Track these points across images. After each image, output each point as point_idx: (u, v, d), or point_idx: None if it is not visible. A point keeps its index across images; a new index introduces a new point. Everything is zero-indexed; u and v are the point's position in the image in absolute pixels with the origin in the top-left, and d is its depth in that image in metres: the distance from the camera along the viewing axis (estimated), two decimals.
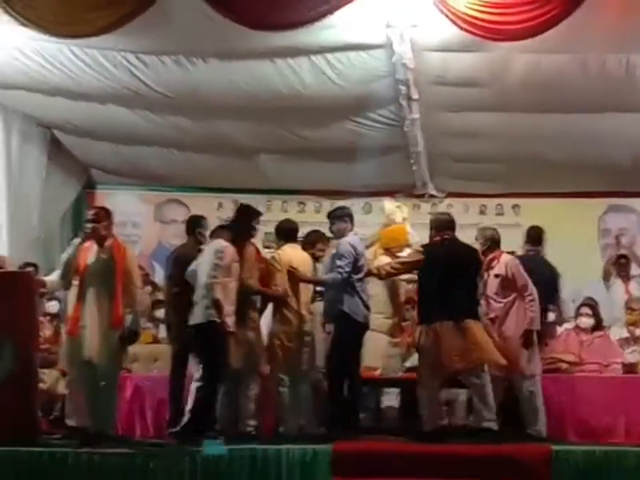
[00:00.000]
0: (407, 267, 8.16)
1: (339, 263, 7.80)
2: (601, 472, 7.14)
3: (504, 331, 7.92)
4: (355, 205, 12.17)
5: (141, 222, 12.23)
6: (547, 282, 8.49)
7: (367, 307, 7.91)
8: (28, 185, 10.09)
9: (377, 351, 8.62)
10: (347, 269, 7.76)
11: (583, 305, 9.24)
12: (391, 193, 12.18)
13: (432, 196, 12.16)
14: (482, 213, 12.23)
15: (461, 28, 7.56)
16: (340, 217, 8.16)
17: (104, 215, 7.51)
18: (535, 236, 9.03)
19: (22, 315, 7.44)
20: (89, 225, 7.41)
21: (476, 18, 7.47)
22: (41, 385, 8.14)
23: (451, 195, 12.21)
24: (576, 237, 11.67)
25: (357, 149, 10.23)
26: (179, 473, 6.97)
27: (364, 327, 7.89)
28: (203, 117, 9.90)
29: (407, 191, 12.13)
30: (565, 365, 8.76)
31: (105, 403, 7.35)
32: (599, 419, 8.17)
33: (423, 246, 8.07)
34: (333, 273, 7.85)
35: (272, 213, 12.32)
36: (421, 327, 7.75)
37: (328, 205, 12.30)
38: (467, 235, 12.02)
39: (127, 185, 12.04)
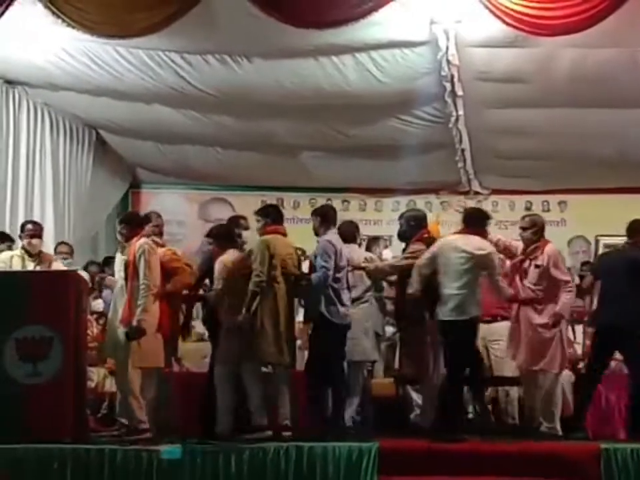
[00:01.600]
0: (398, 269, 8.14)
1: (321, 262, 7.68)
2: None
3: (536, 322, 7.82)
4: (400, 203, 12.26)
5: (186, 221, 12.28)
6: None
7: (345, 306, 7.75)
8: (75, 184, 10.18)
9: None
10: (329, 267, 7.64)
11: None
12: (435, 190, 12.20)
13: (477, 193, 12.13)
14: (528, 209, 12.14)
15: (506, 23, 7.50)
16: (314, 214, 8.09)
17: (128, 217, 7.96)
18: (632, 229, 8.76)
19: (70, 313, 7.51)
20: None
21: (521, 13, 7.40)
22: (89, 383, 8.22)
23: (495, 191, 12.17)
24: (624, 233, 11.55)
25: (401, 146, 10.22)
26: (225, 469, 7.04)
27: (342, 327, 7.72)
28: (247, 116, 9.93)
29: (452, 188, 12.11)
30: (614, 364, 8.69)
31: (124, 399, 7.46)
32: None
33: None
34: (317, 272, 7.71)
35: None
36: None
37: (372, 202, 12.38)
38: (513, 232, 12.06)
39: (171, 184, 12.14)
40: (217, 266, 7.79)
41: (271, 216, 7.95)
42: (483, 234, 7.84)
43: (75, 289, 7.65)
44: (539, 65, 8.46)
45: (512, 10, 7.39)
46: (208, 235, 8.22)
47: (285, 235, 7.93)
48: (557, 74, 8.52)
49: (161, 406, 7.65)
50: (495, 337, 8.78)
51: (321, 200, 12.35)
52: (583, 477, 7.02)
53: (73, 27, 7.73)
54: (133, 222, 7.70)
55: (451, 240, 7.76)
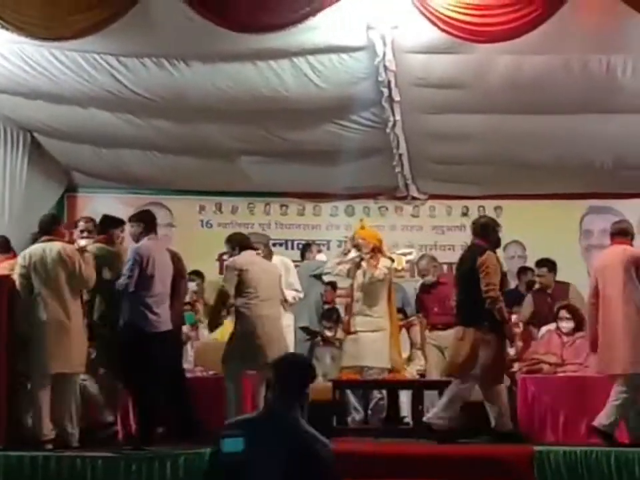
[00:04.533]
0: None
1: (125, 269, 7.77)
2: (582, 472, 7.18)
3: None
4: (338, 208, 12.30)
5: None
6: None
7: (155, 314, 7.74)
8: (9, 188, 10.04)
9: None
10: (132, 275, 7.67)
11: (561, 307, 9.26)
12: (373, 195, 12.26)
13: (414, 198, 12.20)
14: (464, 214, 12.27)
15: (442, 30, 7.55)
16: (133, 220, 8.15)
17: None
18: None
19: (2, 318, 7.48)
20: None
21: (457, 20, 7.46)
22: None
23: (433, 197, 12.26)
24: (558, 239, 11.73)
25: (339, 151, 10.23)
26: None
27: (151, 335, 7.71)
28: (184, 120, 9.87)
29: (390, 193, 12.18)
30: (546, 366, 8.81)
31: None
32: (580, 419, 8.22)
33: None
34: (120, 279, 7.79)
35: (254, 215, 12.37)
36: None
37: (310, 207, 12.39)
38: (448, 238, 12.19)
39: (108, 188, 12.01)
40: None
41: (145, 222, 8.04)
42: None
43: (6, 292, 7.57)
44: (475, 71, 8.53)
45: (448, 17, 7.45)
46: None
47: None
48: (493, 80, 8.60)
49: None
50: (448, 342, 9.02)
51: (259, 204, 12.36)
52: (516, 479, 7.11)
53: (7, 29, 7.62)
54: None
55: None
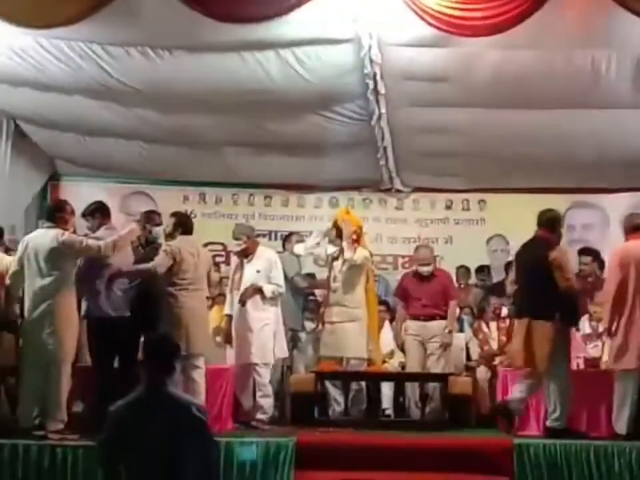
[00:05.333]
0: None
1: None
2: (562, 465, 7.23)
3: None
4: (322, 199, 12.32)
5: None
6: None
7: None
8: None
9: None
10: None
11: None
12: (357, 187, 12.28)
13: (398, 191, 12.22)
14: (448, 207, 12.31)
15: (428, 23, 7.58)
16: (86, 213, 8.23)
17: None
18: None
19: None
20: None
21: (443, 13, 7.48)
22: None
23: (417, 189, 12.28)
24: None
25: (323, 143, 10.24)
26: None
27: (108, 322, 7.82)
28: (169, 110, 9.86)
29: (374, 186, 12.19)
30: None
31: None
32: None
33: None
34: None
35: (239, 206, 12.37)
36: None
37: (295, 198, 12.40)
38: (432, 230, 12.22)
39: (92, 176, 11.99)
40: None
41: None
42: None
43: None
44: (460, 65, 8.54)
45: (434, 10, 7.47)
46: None
47: None
48: (478, 74, 8.62)
49: None
50: (430, 335, 9.36)
51: (243, 195, 12.37)
52: (495, 472, 7.16)
53: None
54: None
55: None
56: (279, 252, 9.82)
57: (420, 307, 9.54)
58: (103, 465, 5.41)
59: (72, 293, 7.71)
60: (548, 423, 7.85)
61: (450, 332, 9.44)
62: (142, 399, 5.18)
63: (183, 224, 8.42)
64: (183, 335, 7.81)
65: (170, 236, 8.34)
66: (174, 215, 8.60)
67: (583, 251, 10.01)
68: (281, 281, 9.05)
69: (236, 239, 9.23)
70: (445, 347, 9.39)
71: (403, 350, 9.83)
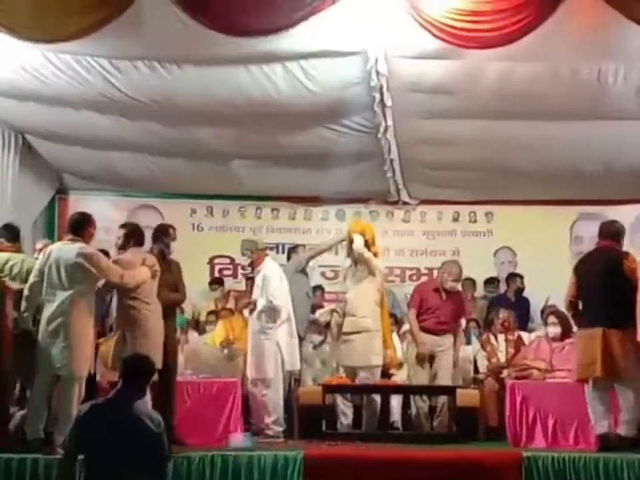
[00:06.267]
0: None
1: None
2: (571, 478, 7.21)
3: None
4: (329, 212, 12.33)
5: (113, 228, 12.13)
6: None
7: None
8: None
9: None
10: None
11: (550, 313, 9.35)
12: (364, 200, 12.29)
13: (405, 203, 12.22)
14: (455, 220, 12.32)
15: (435, 35, 7.58)
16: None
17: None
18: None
19: None
20: None
21: (449, 26, 7.48)
22: None
23: (424, 202, 12.28)
24: (548, 244, 11.77)
25: (330, 155, 10.24)
26: None
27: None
28: (176, 123, 9.87)
29: (381, 198, 12.20)
30: (536, 372, 8.84)
31: None
32: (568, 424, 8.25)
33: None
34: None
35: (246, 219, 12.39)
36: None
37: (302, 211, 12.42)
38: (439, 243, 12.22)
39: (99, 190, 12.02)
40: None
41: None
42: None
43: None
44: (466, 78, 8.54)
45: (440, 22, 7.47)
46: None
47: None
48: (484, 86, 8.62)
49: None
50: (441, 347, 9.41)
51: (250, 208, 12.38)
52: None
53: (0, 31, 7.63)
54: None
55: None
56: (281, 265, 9.83)
57: (435, 323, 9.52)
58: (62, 455, 6.09)
59: (90, 308, 7.65)
60: (621, 431, 7.77)
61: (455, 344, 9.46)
62: (103, 405, 5.89)
63: (135, 235, 8.24)
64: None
65: (122, 248, 8.16)
66: (124, 226, 8.47)
67: None
68: (274, 295, 8.95)
69: (243, 254, 9.30)
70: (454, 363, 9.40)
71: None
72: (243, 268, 11.70)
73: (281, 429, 8.85)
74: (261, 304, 8.92)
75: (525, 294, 11.59)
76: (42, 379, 7.53)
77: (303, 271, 10.02)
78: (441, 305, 9.56)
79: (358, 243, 9.55)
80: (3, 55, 8.31)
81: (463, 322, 9.89)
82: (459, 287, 9.80)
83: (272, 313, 8.94)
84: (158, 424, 5.74)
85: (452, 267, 9.88)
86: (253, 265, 9.24)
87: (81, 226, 7.82)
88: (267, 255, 9.43)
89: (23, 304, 7.66)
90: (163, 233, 8.67)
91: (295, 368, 9.21)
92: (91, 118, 9.66)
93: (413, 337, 9.59)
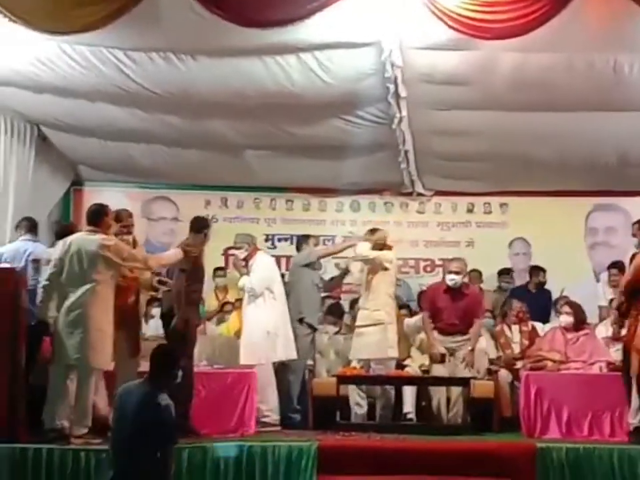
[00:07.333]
0: None
1: None
2: (585, 469, 7.21)
3: None
4: (343, 203, 12.33)
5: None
6: None
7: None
8: (15, 182, 10.05)
9: None
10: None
11: (563, 303, 9.35)
12: (379, 191, 12.28)
13: (420, 194, 12.21)
14: (469, 211, 12.29)
15: (449, 26, 7.57)
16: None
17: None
18: None
19: (7, 311, 7.60)
20: None
21: (464, 16, 7.47)
22: None
23: (438, 193, 12.26)
24: (563, 236, 11.75)
25: (345, 146, 10.24)
26: None
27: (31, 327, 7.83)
28: (191, 114, 9.89)
29: (395, 189, 12.19)
30: (550, 363, 8.84)
31: None
32: (583, 416, 8.25)
33: None
34: None
35: (260, 210, 12.40)
36: None
37: (316, 202, 12.42)
38: (454, 234, 12.21)
39: (114, 182, 12.04)
40: None
41: None
42: None
43: (11, 285, 7.61)
44: (481, 68, 8.53)
45: (455, 13, 7.46)
46: None
47: None
48: (498, 77, 8.60)
49: None
50: (458, 344, 9.44)
51: (265, 199, 12.39)
52: (518, 476, 7.15)
53: (15, 22, 7.64)
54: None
55: None
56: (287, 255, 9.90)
57: (448, 324, 9.52)
58: None
59: (109, 300, 7.70)
60: None
61: (472, 350, 9.39)
62: (131, 387, 6.46)
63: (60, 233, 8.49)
64: None
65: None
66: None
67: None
68: (254, 283, 9.16)
69: (239, 248, 9.42)
70: (469, 363, 9.38)
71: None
72: None
73: (277, 417, 8.93)
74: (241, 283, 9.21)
75: None
76: (58, 370, 7.57)
77: (310, 266, 9.97)
78: (450, 306, 9.53)
79: (361, 248, 9.58)
80: (19, 47, 8.33)
81: (480, 327, 9.72)
82: (460, 281, 9.58)
83: (252, 297, 9.15)
84: (166, 412, 6.18)
85: (452, 261, 9.93)
86: (247, 258, 9.32)
87: (99, 217, 7.89)
88: (259, 249, 9.60)
89: (41, 294, 7.70)
90: (203, 225, 8.72)
91: (289, 357, 9.25)
92: (105, 109, 9.69)
93: (427, 338, 9.58)
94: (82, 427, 7.50)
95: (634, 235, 9.21)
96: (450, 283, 9.55)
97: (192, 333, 8.37)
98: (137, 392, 6.34)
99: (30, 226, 8.87)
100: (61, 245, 7.84)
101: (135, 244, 8.46)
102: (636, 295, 7.91)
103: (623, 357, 8.09)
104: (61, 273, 7.64)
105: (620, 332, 8.82)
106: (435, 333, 9.54)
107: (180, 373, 6.57)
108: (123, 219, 8.42)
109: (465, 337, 9.44)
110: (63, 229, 8.63)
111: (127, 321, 8.10)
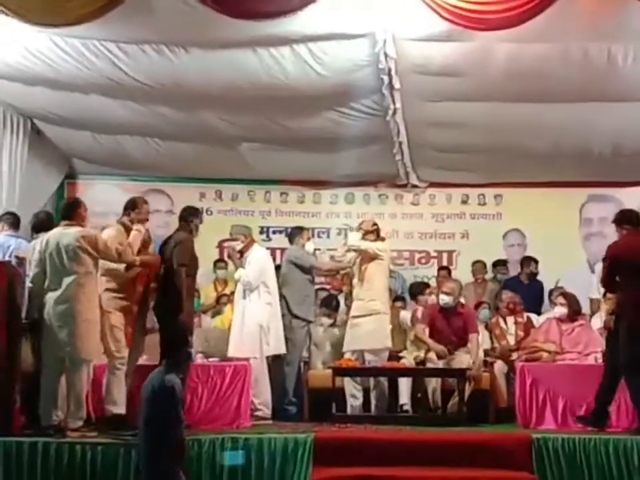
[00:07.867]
0: None
1: None
2: (581, 459, 7.22)
3: None
4: (338, 195, 12.32)
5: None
6: None
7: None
8: (8, 174, 10.04)
9: None
10: None
11: (558, 294, 9.36)
12: (373, 183, 12.27)
13: (414, 186, 12.20)
14: (464, 202, 12.29)
15: (443, 17, 7.54)
16: None
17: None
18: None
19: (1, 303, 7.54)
20: None
21: (458, 7, 7.45)
22: None
23: (433, 184, 12.26)
24: (558, 227, 11.76)
25: (339, 138, 10.22)
26: None
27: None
28: (185, 107, 9.87)
29: (389, 181, 12.19)
30: (545, 354, 8.86)
31: None
32: (578, 406, 8.26)
33: None
34: None
35: (255, 203, 12.39)
36: None
37: (310, 195, 12.41)
38: (448, 226, 12.22)
39: (108, 174, 12.03)
40: None
41: None
42: None
43: (5, 278, 7.60)
44: (475, 59, 8.50)
45: (449, 4, 7.44)
46: None
47: None
48: (493, 68, 8.58)
49: None
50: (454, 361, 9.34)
51: (259, 192, 12.38)
52: (514, 466, 7.15)
53: (7, 15, 7.61)
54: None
55: None
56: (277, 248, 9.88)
57: (444, 343, 9.47)
58: None
59: (95, 291, 7.73)
60: None
61: (473, 362, 9.34)
62: (152, 375, 6.91)
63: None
64: None
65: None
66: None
67: None
68: (251, 276, 9.21)
69: (235, 239, 9.46)
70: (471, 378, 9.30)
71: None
72: None
73: (269, 411, 8.96)
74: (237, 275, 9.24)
75: None
76: (50, 366, 7.56)
77: (301, 268, 9.90)
78: (446, 328, 9.53)
79: (351, 238, 9.63)
80: (11, 39, 8.31)
81: (479, 342, 9.60)
82: (452, 302, 9.52)
83: (247, 290, 9.19)
84: (170, 385, 6.70)
85: (446, 280, 9.95)
86: (243, 250, 9.32)
87: (72, 210, 7.97)
88: (254, 241, 9.63)
89: (27, 296, 7.72)
90: (193, 214, 8.73)
91: (279, 351, 9.26)
92: (99, 102, 9.66)
93: (426, 343, 9.56)
94: (77, 419, 7.50)
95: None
96: (441, 303, 9.60)
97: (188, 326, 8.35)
98: (152, 377, 6.85)
99: (13, 221, 8.87)
100: (38, 243, 7.85)
101: (148, 240, 8.41)
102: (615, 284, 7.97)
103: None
104: (44, 271, 7.66)
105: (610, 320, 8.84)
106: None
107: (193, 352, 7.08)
108: (138, 206, 8.39)
109: (463, 350, 9.43)
110: (40, 222, 8.60)
111: (142, 308, 8.21)
